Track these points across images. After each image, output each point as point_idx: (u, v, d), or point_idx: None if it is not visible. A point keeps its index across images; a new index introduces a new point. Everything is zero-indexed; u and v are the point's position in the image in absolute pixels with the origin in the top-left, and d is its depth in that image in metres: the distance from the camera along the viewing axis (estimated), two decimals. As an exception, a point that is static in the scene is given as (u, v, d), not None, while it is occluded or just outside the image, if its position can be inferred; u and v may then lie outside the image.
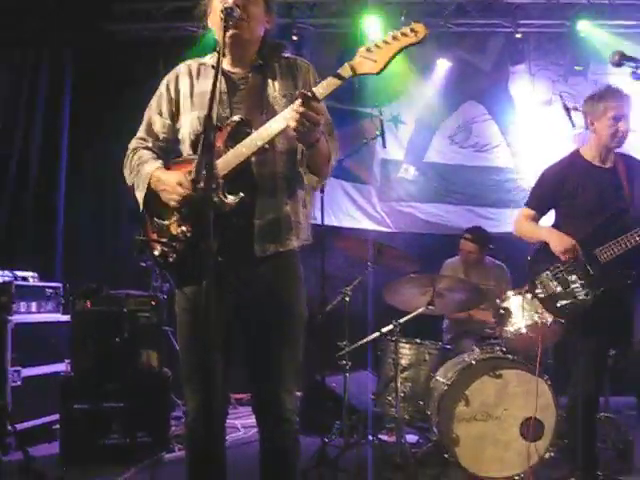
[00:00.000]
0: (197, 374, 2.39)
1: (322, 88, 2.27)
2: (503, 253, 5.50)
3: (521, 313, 4.14)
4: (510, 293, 4.30)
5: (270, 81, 2.52)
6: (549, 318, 3.98)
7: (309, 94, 2.22)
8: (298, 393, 2.59)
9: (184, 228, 2.39)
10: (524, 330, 4.11)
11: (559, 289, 3.63)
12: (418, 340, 4.60)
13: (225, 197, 2.33)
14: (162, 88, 2.63)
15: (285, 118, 2.29)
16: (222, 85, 2.46)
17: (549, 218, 3.88)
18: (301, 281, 2.57)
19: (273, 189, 2.46)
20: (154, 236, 2.46)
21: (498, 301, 4.32)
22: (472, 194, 7.10)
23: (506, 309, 4.23)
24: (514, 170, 7.05)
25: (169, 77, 2.63)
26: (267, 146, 2.37)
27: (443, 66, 7.02)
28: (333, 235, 5.21)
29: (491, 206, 7.03)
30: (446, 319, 5.49)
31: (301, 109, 2.21)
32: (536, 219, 3.86)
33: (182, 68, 2.63)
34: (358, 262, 4.97)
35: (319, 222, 4.38)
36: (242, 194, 2.34)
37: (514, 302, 4.21)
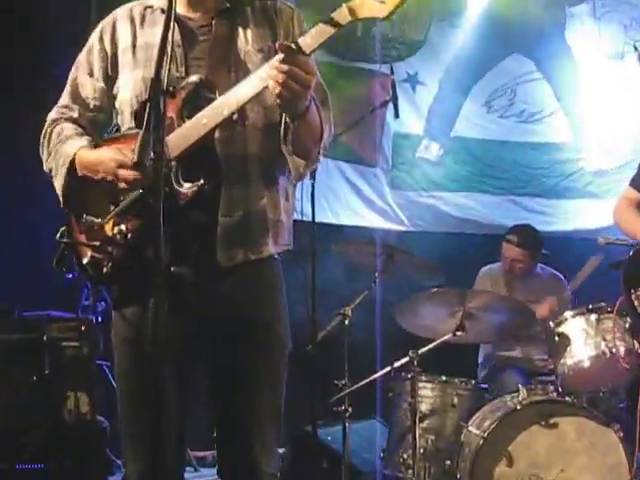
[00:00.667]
0: (142, 423, 2.39)
1: (310, 38, 2.26)
2: (561, 260, 5.53)
3: (583, 341, 4.18)
4: (568, 314, 4.33)
5: (241, 30, 2.53)
6: (622, 347, 4.01)
7: (292, 46, 2.23)
8: (280, 449, 2.60)
9: (123, 227, 2.39)
10: (587, 363, 4.14)
11: None
12: (443, 377, 4.62)
13: (179, 185, 2.34)
14: (94, 39, 2.65)
15: (261, 78, 2.30)
16: (176, 35, 2.45)
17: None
18: (282, 297, 2.59)
19: (244, 176, 2.46)
20: (82, 238, 2.47)
21: (552, 325, 4.36)
22: (517, 180, 7.13)
23: (563, 335, 4.27)
24: (574, 147, 7.04)
25: (103, 24, 2.65)
26: (236, 117, 2.39)
27: (478, 6, 7.04)
28: (328, 236, 5.24)
29: (542, 196, 7.07)
30: (482, 349, 5.52)
31: (284, 66, 2.21)
32: None
33: (121, 12, 2.64)
34: (362, 272, 5.00)
35: (309, 219, 4.41)
36: (202, 181, 2.35)
37: (574, 326, 4.25)
